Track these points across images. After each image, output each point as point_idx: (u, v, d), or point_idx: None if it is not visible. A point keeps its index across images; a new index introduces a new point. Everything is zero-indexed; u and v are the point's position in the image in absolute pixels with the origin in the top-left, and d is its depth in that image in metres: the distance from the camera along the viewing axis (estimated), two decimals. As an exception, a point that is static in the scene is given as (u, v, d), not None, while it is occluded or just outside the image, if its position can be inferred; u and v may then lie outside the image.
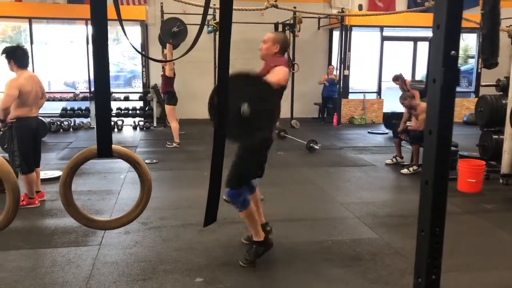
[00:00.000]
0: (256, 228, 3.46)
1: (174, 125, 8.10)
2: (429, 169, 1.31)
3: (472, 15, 6.98)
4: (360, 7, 11.39)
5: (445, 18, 1.21)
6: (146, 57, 10.99)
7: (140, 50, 10.36)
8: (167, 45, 7.71)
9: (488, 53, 3.77)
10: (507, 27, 7.20)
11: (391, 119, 9.38)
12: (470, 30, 11.06)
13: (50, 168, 6.35)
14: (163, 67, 7.99)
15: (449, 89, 1.26)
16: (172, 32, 7.38)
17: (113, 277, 3.23)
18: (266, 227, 3.70)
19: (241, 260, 3.44)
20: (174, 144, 8.09)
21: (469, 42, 13.00)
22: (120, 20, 1.82)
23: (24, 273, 3.28)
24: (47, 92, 5.33)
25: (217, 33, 9.79)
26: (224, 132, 1.64)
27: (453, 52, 1.23)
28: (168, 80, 7.90)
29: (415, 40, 12.30)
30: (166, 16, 10.19)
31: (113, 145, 1.65)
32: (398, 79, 9.39)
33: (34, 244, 3.81)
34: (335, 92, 11.45)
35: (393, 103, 10.84)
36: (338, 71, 11.39)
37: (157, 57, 9.98)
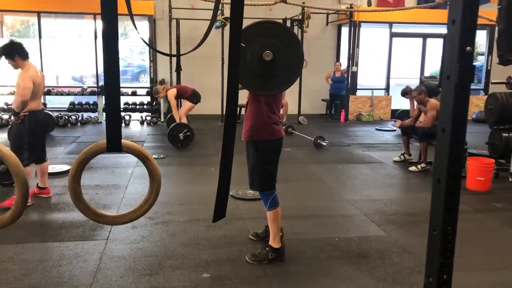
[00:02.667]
0: (277, 233, 3.44)
1: (183, 121, 8.12)
2: (441, 167, 1.28)
3: (483, 12, 6.90)
4: (369, 2, 11.32)
5: (461, 13, 1.19)
6: (156, 51, 11.00)
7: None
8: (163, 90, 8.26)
9: (505, 49, 3.68)
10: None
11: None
12: (480, 27, 10.95)
13: (58, 162, 6.38)
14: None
15: (463, 86, 1.23)
16: (179, 138, 7.63)
17: (120, 272, 3.23)
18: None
19: (249, 256, 3.44)
20: None
21: (478, 39, 12.87)
22: (130, 14, 1.80)
23: (32, 266, 3.30)
24: (55, 87, 5.38)
25: (225, 28, 9.78)
26: (234, 128, 1.62)
27: (468, 48, 1.21)
28: (182, 92, 8.12)
29: (425, 36, 12.21)
30: (174, 12, 10.22)
31: (122, 140, 1.64)
32: (406, 94, 8.81)
33: (42, 237, 3.83)
34: (342, 89, 11.39)
35: (401, 101, 10.76)
36: (346, 67, 11.32)
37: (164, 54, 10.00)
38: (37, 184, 4.82)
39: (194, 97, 8.06)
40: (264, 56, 2.96)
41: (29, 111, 4.51)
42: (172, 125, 7.80)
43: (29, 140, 4.55)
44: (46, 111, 5.15)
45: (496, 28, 4.06)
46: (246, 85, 3.09)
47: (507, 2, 3.48)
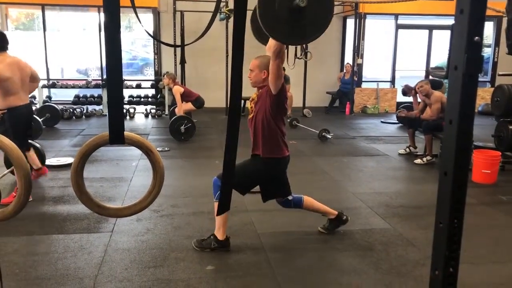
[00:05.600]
0: (220, 225, 3.46)
1: (181, 114, 8.14)
2: (448, 160, 1.26)
3: (490, 2, 6.83)
4: (375, -6, 11.20)
5: (470, 2, 1.16)
6: (160, 42, 10.96)
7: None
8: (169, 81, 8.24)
9: (514, 39, 3.63)
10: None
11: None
12: (487, 18, 10.84)
13: (62, 155, 6.39)
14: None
15: (471, 76, 1.21)
16: (180, 130, 7.60)
17: (125, 264, 3.24)
18: (342, 216, 3.84)
19: (194, 242, 3.51)
20: None
21: (485, 30, 12.70)
22: (133, 6, 1.79)
23: (37, 258, 3.31)
24: (60, 80, 5.29)
25: (229, 20, 9.73)
26: (238, 122, 1.60)
27: (476, 38, 1.18)
28: (187, 94, 8.13)
29: (431, 28, 12.09)
30: (178, 4, 10.17)
31: (125, 132, 1.63)
32: (407, 93, 8.74)
33: (47, 230, 3.84)
34: (350, 88, 11.32)
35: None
36: (352, 61, 11.24)
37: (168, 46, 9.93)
38: (32, 169, 4.67)
39: (198, 102, 8.17)
40: (298, 2, 2.42)
41: (7, 108, 4.23)
42: (172, 119, 7.80)
43: (13, 135, 4.07)
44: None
45: (505, 19, 4.01)
46: (272, 32, 2.56)
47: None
